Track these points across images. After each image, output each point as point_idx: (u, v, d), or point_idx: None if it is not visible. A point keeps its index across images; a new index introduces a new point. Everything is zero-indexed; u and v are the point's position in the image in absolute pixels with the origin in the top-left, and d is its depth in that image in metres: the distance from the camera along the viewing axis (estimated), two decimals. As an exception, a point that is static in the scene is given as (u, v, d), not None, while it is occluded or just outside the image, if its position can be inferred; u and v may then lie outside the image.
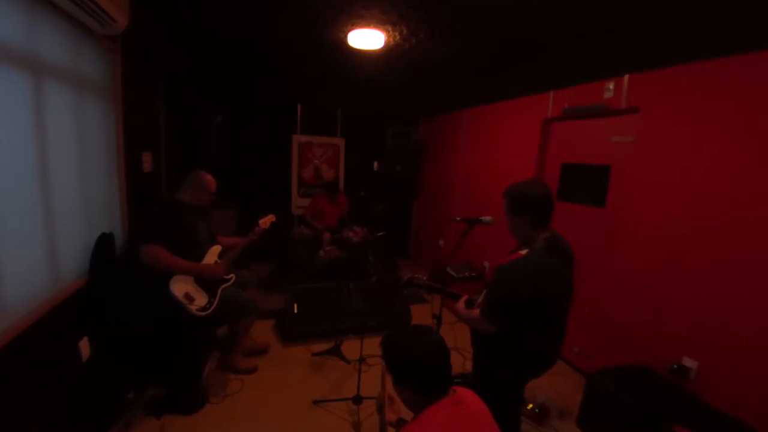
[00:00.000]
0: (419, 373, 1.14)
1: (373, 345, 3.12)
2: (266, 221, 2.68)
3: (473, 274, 3.95)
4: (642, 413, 1.90)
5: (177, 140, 3.36)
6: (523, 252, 1.57)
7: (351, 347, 2.93)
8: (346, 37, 2.81)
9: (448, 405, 1.11)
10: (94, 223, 2.02)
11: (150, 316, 2.18)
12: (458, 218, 2.18)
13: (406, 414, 1.30)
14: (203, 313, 2.24)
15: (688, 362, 2.13)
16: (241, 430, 2.18)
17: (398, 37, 2.78)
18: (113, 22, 1.85)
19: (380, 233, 4.26)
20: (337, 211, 4.52)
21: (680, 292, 2.21)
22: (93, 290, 1.91)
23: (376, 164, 5.57)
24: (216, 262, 2.44)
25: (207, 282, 2.33)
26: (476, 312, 1.63)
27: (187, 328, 2.27)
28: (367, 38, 2.75)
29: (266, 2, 2.33)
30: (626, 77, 2.55)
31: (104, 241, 2.02)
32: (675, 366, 2.15)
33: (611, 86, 2.65)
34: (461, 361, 2.92)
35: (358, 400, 2.30)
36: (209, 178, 2.46)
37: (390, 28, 2.62)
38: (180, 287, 2.21)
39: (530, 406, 2.35)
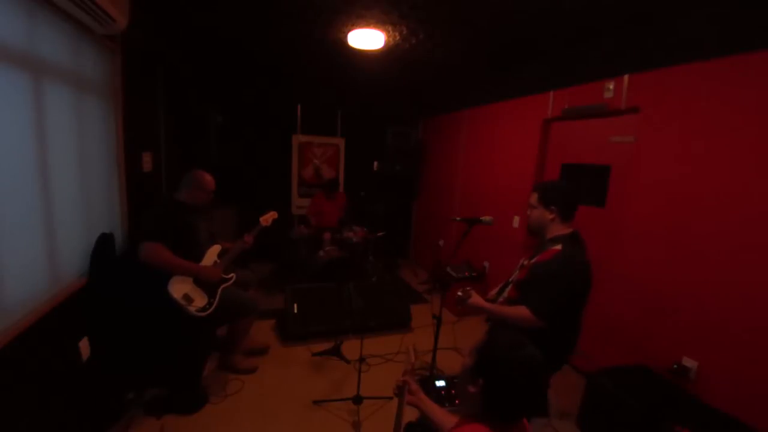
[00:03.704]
0: (511, 399, 0.96)
1: (373, 345, 3.15)
2: (267, 218, 2.67)
3: (473, 274, 3.96)
4: (642, 413, 1.89)
5: (177, 140, 3.36)
6: (557, 247, 1.57)
7: (351, 347, 2.92)
8: (346, 37, 2.81)
9: None
10: (94, 223, 2.02)
11: (150, 316, 2.17)
12: (458, 218, 2.18)
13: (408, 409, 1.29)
14: (202, 314, 2.24)
15: (688, 362, 2.13)
16: (241, 430, 2.17)
17: (398, 37, 2.78)
18: (113, 22, 1.85)
19: (380, 233, 4.26)
20: (335, 209, 4.52)
21: (680, 292, 2.21)
22: (93, 290, 1.91)
23: (376, 164, 5.56)
24: (215, 261, 2.44)
25: (206, 282, 2.33)
26: (519, 309, 1.59)
27: (187, 328, 2.27)
28: (367, 38, 2.75)
29: (266, 2, 2.33)
30: (626, 77, 2.55)
31: (104, 241, 2.02)
32: (675, 366, 2.15)
33: (611, 86, 2.65)
34: (462, 361, 2.91)
35: (358, 400, 2.30)
36: (207, 177, 2.44)
37: (390, 28, 2.62)
38: (179, 288, 2.21)
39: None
